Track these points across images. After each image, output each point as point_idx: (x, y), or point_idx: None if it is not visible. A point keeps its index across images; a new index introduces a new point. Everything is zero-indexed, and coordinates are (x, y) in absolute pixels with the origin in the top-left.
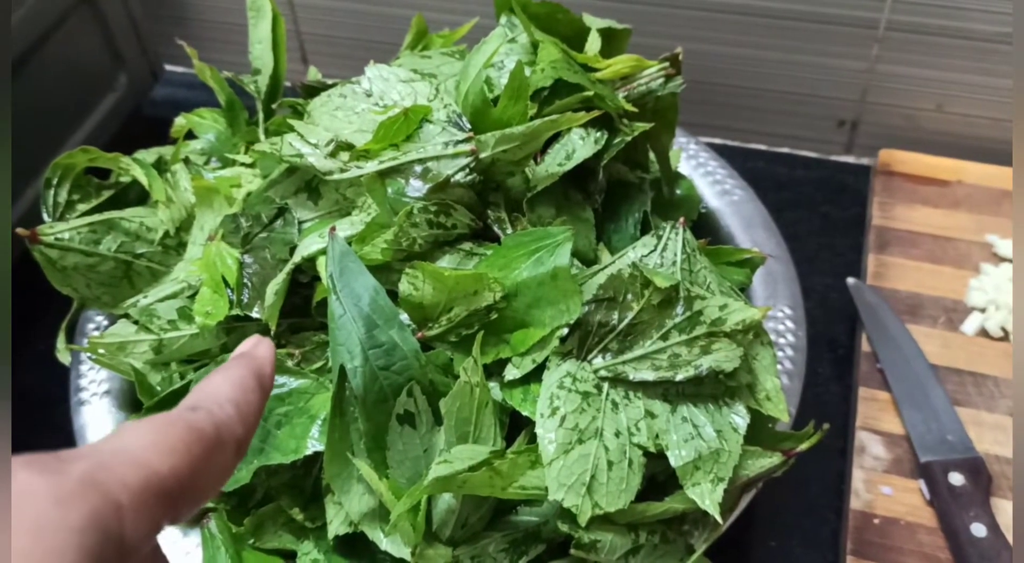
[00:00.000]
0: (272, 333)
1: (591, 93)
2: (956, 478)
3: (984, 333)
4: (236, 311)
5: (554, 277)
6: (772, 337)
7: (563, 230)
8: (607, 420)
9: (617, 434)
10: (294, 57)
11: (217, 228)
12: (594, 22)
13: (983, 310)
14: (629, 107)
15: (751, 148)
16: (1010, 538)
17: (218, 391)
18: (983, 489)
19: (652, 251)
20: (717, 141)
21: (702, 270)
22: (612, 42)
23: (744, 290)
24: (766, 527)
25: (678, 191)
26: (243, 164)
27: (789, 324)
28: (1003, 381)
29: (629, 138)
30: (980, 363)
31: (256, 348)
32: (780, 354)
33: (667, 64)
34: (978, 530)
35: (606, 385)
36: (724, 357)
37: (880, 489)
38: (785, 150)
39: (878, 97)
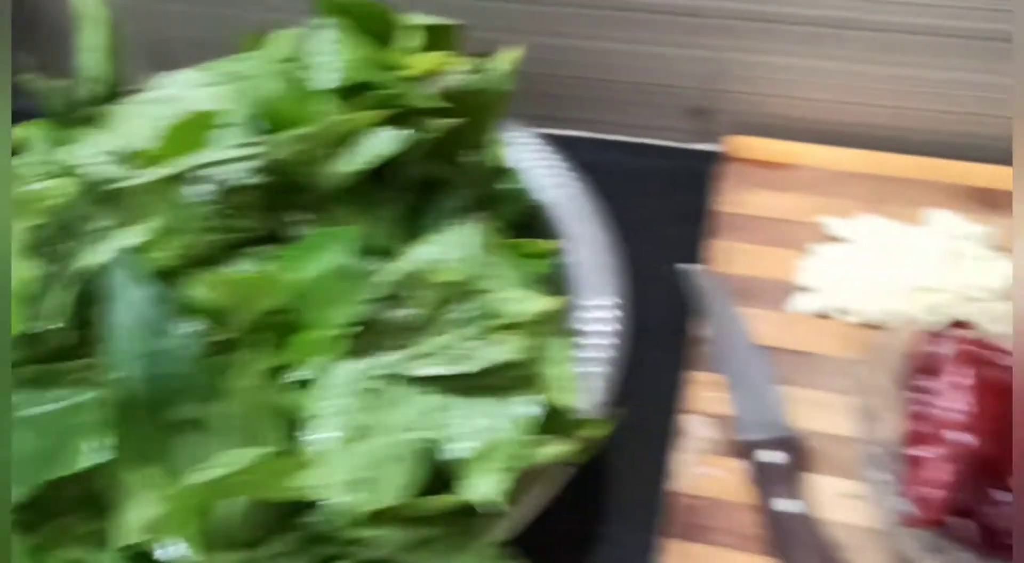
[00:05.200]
0: (67, 345)
1: (392, 91)
2: (772, 456)
3: (813, 313)
4: (33, 324)
5: (337, 277)
6: (596, 327)
7: (346, 230)
8: (389, 416)
9: (400, 430)
10: (138, 63)
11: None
12: (415, 19)
13: (812, 291)
14: (434, 104)
15: (605, 139)
16: (820, 514)
17: None
18: (798, 466)
19: (444, 247)
20: (571, 133)
21: (495, 264)
22: (441, 38)
23: (553, 280)
24: (591, 513)
25: (507, 184)
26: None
27: (612, 313)
28: (827, 359)
29: (434, 135)
30: (807, 342)
31: None
32: (600, 342)
33: (478, 60)
34: (790, 506)
35: (391, 382)
36: (511, 349)
37: (704, 470)
38: (639, 140)
39: (727, 85)
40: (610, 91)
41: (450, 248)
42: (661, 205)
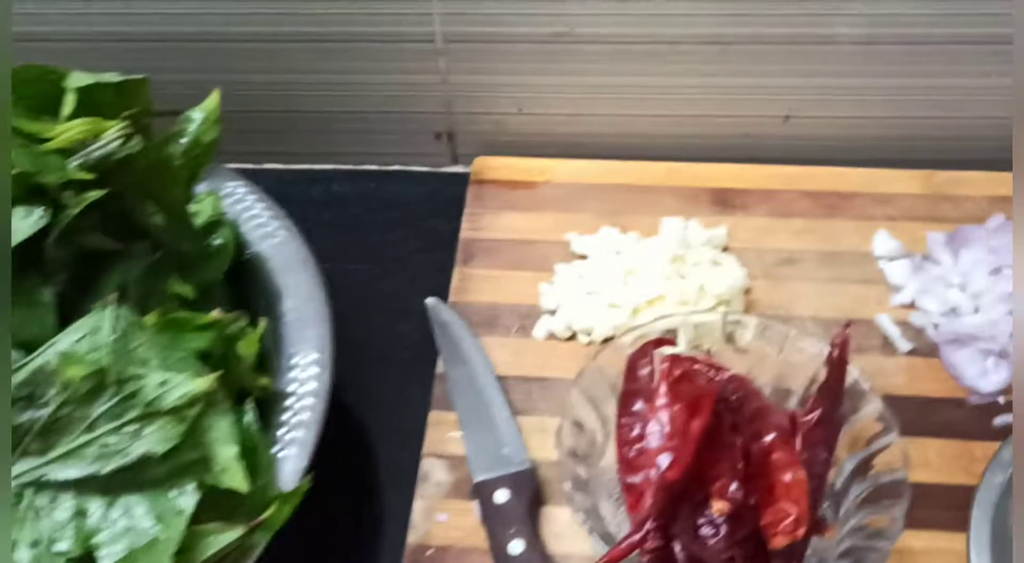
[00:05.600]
0: None
1: (22, 170)
2: (502, 495)
3: (555, 336)
4: None
5: None
6: (295, 386)
7: None
8: (25, 530)
9: (36, 543)
10: None
11: None
12: (80, 79)
13: (554, 312)
14: (80, 176)
15: (361, 170)
16: (552, 549)
17: None
18: (526, 502)
19: (84, 335)
20: (325, 167)
21: (141, 347)
22: (126, 94)
23: (216, 356)
24: None
25: (216, 241)
26: None
27: (313, 370)
28: (566, 383)
29: (78, 210)
30: (548, 367)
31: None
32: (300, 404)
33: (127, 123)
34: (516, 547)
35: (28, 491)
36: (159, 438)
37: (438, 517)
38: (396, 168)
39: (462, 106)
40: (361, 122)
41: (88, 336)
42: (422, 233)
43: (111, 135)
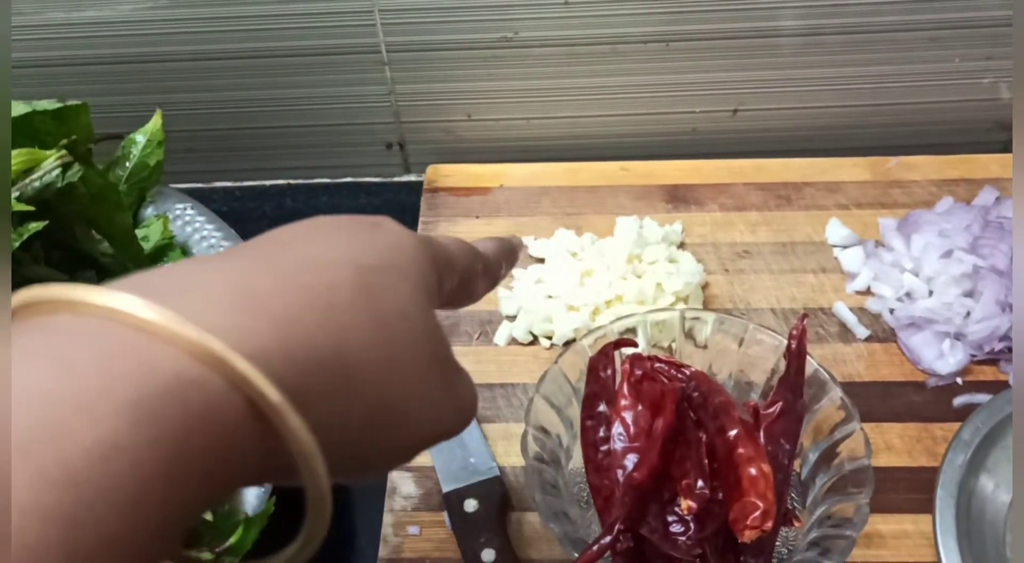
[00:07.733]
0: None
1: None
2: (471, 504)
3: (517, 341)
4: None
5: None
6: None
7: None
8: None
9: None
10: None
11: None
12: (15, 109)
13: (514, 317)
14: (19, 208)
15: (313, 183)
16: (524, 554)
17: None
18: (496, 510)
19: None
20: (276, 182)
21: None
22: (64, 121)
23: None
24: None
25: (166, 262)
26: None
27: None
28: (531, 387)
29: (18, 243)
30: (511, 373)
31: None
32: None
33: (64, 152)
34: (488, 555)
35: None
36: None
37: (408, 530)
38: (348, 179)
39: (412, 115)
40: (310, 135)
41: None
42: None
43: (49, 165)
